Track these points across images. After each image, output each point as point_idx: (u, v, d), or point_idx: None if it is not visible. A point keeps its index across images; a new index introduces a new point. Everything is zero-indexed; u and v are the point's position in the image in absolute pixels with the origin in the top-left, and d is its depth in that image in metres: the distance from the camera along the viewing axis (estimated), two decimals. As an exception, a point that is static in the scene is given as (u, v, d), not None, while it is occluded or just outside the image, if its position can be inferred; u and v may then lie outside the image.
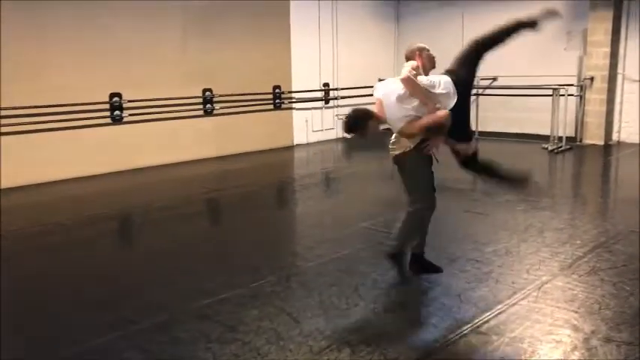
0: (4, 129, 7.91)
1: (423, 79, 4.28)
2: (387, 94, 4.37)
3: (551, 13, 4.70)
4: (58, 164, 8.47)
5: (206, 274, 4.83)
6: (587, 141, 11.25)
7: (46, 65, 8.29)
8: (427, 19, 13.47)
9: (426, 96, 4.24)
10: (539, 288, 4.33)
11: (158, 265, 5.20)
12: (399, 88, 4.27)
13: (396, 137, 4.57)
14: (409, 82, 4.21)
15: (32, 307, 4.27)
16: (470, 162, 4.58)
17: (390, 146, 4.63)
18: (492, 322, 3.80)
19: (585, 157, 10.34)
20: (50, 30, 8.32)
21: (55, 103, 8.34)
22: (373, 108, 4.55)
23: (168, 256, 5.43)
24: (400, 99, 4.27)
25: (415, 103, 4.26)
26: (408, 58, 4.51)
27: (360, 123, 4.44)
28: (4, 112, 7.86)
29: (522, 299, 4.14)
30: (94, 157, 8.89)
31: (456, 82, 4.33)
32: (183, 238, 6.00)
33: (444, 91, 4.28)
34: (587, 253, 5.07)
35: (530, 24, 4.73)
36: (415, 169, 4.48)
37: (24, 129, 8.07)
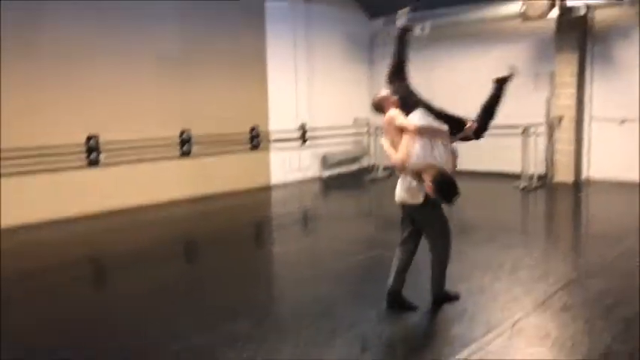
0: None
1: (425, 122, 4.54)
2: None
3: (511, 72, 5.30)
4: (32, 207, 8.39)
5: (180, 317, 4.79)
6: (558, 179, 11.51)
7: (22, 107, 8.28)
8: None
9: (441, 134, 4.53)
10: (513, 325, 4.40)
11: (131, 309, 5.14)
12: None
13: (407, 182, 4.62)
14: (425, 131, 4.44)
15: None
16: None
17: (404, 193, 4.67)
18: (468, 361, 3.85)
19: (556, 195, 10.58)
20: (27, 72, 8.35)
21: (30, 146, 8.32)
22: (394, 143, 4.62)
23: (141, 299, 5.39)
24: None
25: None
26: (380, 108, 4.68)
27: (452, 189, 4.40)
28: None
29: (497, 337, 4.20)
30: (70, 200, 8.83)
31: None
32: (158, 281, 5.96)
33: (434, 123, 4.56)
34: (559, 290, 5.17)
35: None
36: (430, 216, 4.66)
37: (-2, 172, 8.03)
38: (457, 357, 3.88)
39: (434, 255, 4.74)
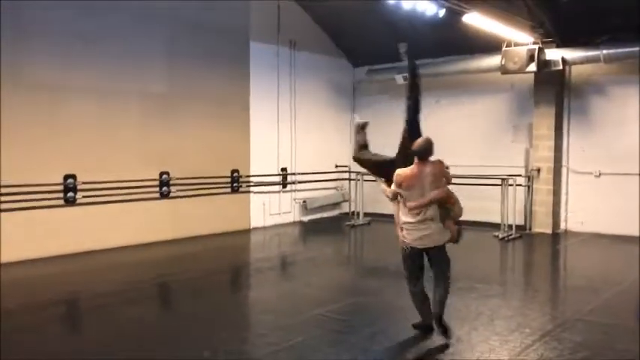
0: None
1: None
2: None
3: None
4: (6, 246, 8.21)
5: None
6: (536, 229, 11.61)
7: (2, 146, 8.20)
8: (381, 109, 14.03)
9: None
10: (490, 377, 4.36)
11: (102, 353, 5.01)
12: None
13: (438, 226, 5.15)
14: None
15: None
16: None
17: (438, 236, 5.15)
18: (443, 414, 3.79)
19: (534, 245, 10.64)
20: (6, 111, 8.29)
21: (7, 184, 8.21)
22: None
23: (113, 343, 5.26)
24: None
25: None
26: (430, 153, 5.27)
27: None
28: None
29: (473, 389, 4.15)
30: (46, 239, 8.67)
31: None
32: (131, 324, 5.84)
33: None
34: (535, 342, 5.15)
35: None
36: (445, 252, 5.30)
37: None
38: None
39: (445, 284, 5.25)
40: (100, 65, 9.36)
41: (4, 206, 8.21)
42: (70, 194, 9.02)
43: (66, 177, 8.97)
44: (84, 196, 9.13)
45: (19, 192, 8.35)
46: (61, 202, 8.95)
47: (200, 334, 5.47)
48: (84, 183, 9.11)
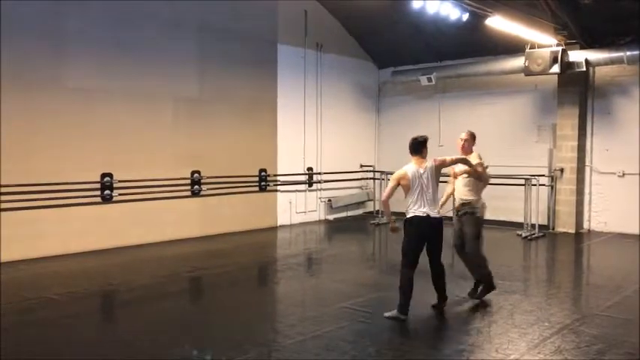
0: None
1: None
2: None
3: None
4: (47, 241, 8.68)
5: (187, 349, 5.00)
6: (559, 229, 11.73)
7: (44, 146, 8.67)
8: (405, 110, 14.27)
9: None
10: (507, 366, 4.59)
11: (139, 341, 5.35)
12: None
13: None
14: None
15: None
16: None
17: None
18: (462, 397, 4.04)
19: (557, 245, 10.76)
20: (48, 114, 8.76)
21: (48, 182, 8.66)
22: None
23: (150, 332, 5.60)
24: None
25: None
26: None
27: None
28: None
29: (490, 376, 4.39)
30: (84, 235, 9.12)
31: None
32: (167, 315, 6.18)
33: None
34: (553, 335, 5.36)
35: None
36: None
37: (16, 206, 8.33)
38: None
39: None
40: (135, 71, 9.80)
41: (46, 203, 8.65)
42: (107, 192, 9.44)
43: (103, 175, 9.40)
44: (120, 194, 9.55)
45: (59, 189, 8.80)
46: (99, 199, 9.38)
47: (231, 325, 5.79)
48: (120, 181, 9.53)
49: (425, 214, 5.88)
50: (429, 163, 6.00)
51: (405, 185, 5.94)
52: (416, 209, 5.91)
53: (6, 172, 8.20)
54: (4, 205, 8.21)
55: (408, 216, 5.97)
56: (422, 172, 5.95)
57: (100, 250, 9.18)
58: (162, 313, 6.27)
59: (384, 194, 6.14)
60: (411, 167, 6.00)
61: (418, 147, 6.08)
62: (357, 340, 5.10)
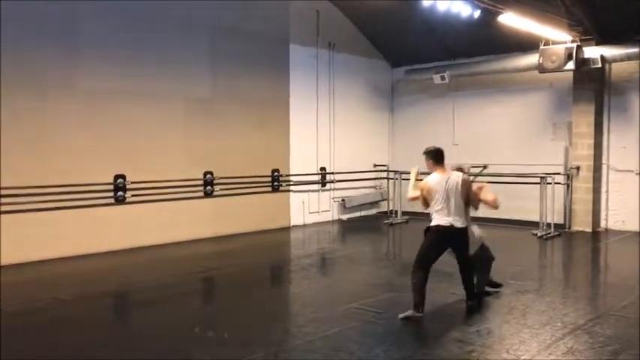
0: (9, 207, 8.21)
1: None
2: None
3: None
4: (60, 242, 8.75)
5: (197, 349, 5.02)
6: (576, 228, 11.57)
7: (54, 147, 8.74)
8: (419, 108, 14.19)
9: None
10: (517, 367, 4.52)
11: (149, 341, 5.36)
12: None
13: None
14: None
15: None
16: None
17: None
18: (470, 399, 3.98)
19: (573, 244, 10.62)
20: (61, 115, 8.84)
21: (61, 183, 8.73)
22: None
23: (160, 331, 5.62)
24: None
25: None
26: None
27: None
28: (10, 192, 8.20)
29: (500, 377, 4.32)
30: (97, 236, 9.18)
31: None
32: (177, 314, 6.20)
33: None
34: (566, 335, 5.27)
35: None
36: None
37: (29, 207, 8.40)
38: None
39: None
40: (148, 72, 9.84)
41: (59, 204, 8.72)
42: (120, 193, 9.50)
43: (116, 177, 9.46)
44: (133, 195, 9.61)
45: (72, 191, 8.86)
46: (112, 200, 9.44)
47: (242, 324, 5.78)
48: (133, 182, 9.58)
49: (449, 224, 5.98)
50: (454, 176, 6.14)
51: (428, 195, 6.09)
52: (440, 218, 6.01)
53: (20, 173, 8.29)
54: (18, 207, 8.29)
55: (432, 224, 6.08)
56: (447, 181, 6.06)
57: (114, 251, 9.24)
58: (174, 313, 6.28)
59: (411, 195, 6.40)
60: (435, 177, 6.13)
61: (441, 158, 6.21)
62: (365, 341, 5.06)
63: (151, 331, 5.68)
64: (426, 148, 6.29)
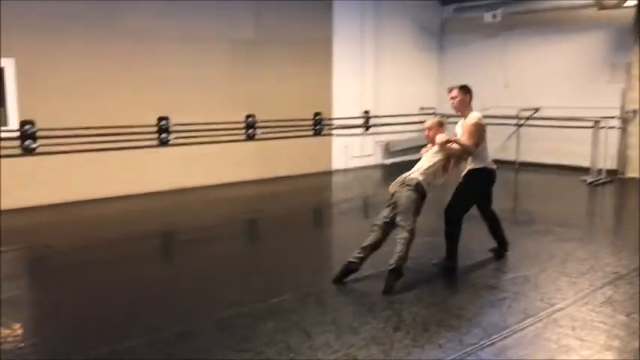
0: (56, 148, 8.47)
1: None
2: None
3: None
4: (105, 183, 8.99)
5: (232, 288, 5.14)
6: (630, 174, 11.10)
7: (99, 89, 8.86)
8: (469, 48, 13.65)
9: None
10: (550, 315, 4.42)
11: (191, 280, 5.52)
12: None
13: None
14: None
15: (73, 314, 4.66)
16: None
17: None
18: (498, 345, 3.93)
19: (625, 191, 10.21)
20: (105, 56, 8.92)
21: (105, 125, 8.90)
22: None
23: (201, 271, 5.77)
24: None
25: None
26: None
27: None
28: (57, 133, 8.43)
29: (531, 325, 4.25)
30: (140, 177, 9.39)
31: None
32: (218, 256, 6.32)
33: None
34: (605, 285, 5.11)
35: None
36: None
37: (75, 148, 8.63)
38: (483, 342, 3.97)
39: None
40: (191, 14, 9.74)
41: (104, 146, 8.92)
42: (164, 135, 9.63)
43: (160, 119, 9.57)
44: (176, 137, 9.72)
45: (118, 132, 9.02)
46: (156, 142, 9.59)
47: (276, 266, 5.87)
48: (176, 125, 9.68)
49: (495, 167, 5.79)
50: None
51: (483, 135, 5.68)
52: (486, 160, 5.73)
53: (65, 114, 8.48)
54: (65, 148, 8.52)
55: (477, 166, 5.67)
56: None
57: (158, 192, 9.44)
58: (218, 254, 6.40)
59: (470, 142, 5.52)
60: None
61: None
62: (396, 285, 5.04)
63: (191, 270, 5.82)
64: (460, 85, 5.73)
